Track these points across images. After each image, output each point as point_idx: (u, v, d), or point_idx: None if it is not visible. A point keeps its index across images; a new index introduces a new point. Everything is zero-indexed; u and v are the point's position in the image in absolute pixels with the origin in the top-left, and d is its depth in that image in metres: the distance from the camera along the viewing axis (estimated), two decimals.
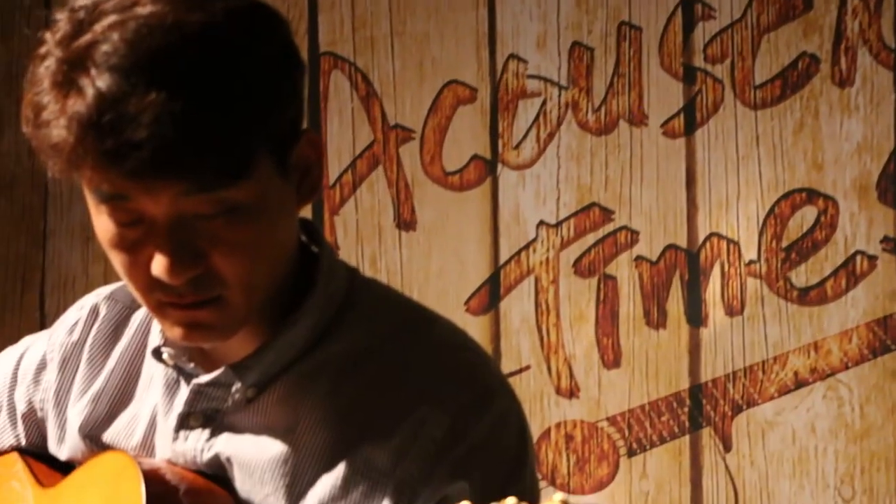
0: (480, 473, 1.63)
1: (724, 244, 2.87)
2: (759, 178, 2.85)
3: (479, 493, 1.44)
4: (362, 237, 3.05)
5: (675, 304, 2.89)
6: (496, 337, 2.95)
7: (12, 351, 2.02)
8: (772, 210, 2.83)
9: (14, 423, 1.98)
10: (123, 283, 1.85)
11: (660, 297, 2.90)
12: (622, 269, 2.93)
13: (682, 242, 2.90)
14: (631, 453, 2.88)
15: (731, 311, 2.84)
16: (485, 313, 2.96)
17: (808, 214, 2.81)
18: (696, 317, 2.87)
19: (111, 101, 1.54)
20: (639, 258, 2.92)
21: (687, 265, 2.90)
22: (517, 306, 2.96)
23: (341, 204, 3.10)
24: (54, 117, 1.58)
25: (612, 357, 2.92)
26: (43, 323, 3.10)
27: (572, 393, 2.93)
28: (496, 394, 1.71)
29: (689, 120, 2.91)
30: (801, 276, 2.77)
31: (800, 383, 2.74)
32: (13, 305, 3.20)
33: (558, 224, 2.98)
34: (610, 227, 2.95)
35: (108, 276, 2.36)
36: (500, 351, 2.96)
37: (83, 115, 1.55)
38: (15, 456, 1.98)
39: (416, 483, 1.63)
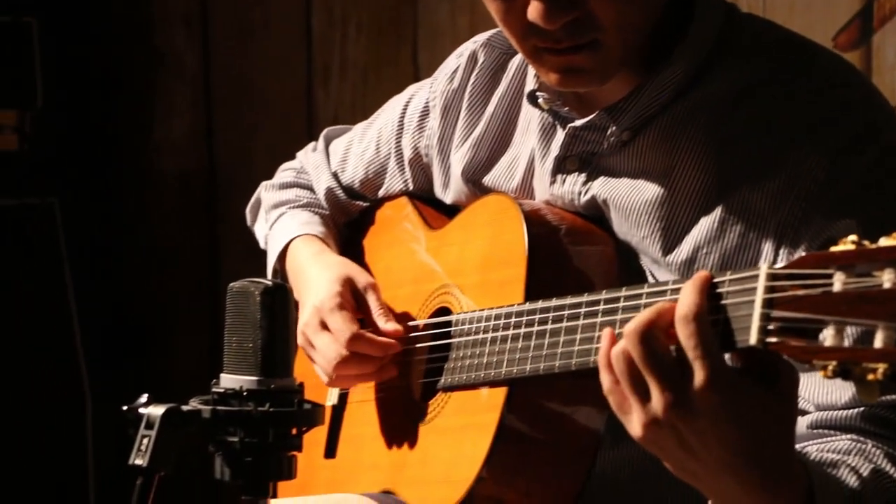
0: (866, 210, 1.60)
1: None
2: None
3: (866, 229, 1.41)
4: None
5: None
6: (867, 74, 2.83)
7: (397, 100, 2.10)
8: None
9: (402, 169, 2.07)
10: (500, 28, 1.88)
11: None
12: None
13: None
14: None
15: None
16: (855, 49, 2.83)
17: None
18: None
19: None
20: None
21: None
22: (892, 40, 2.82)
23: None
24: None
25: None
26: (416, 76, 3.18)
27: None
28: (881, 129, 1.66)
29: None
30: None
31: None
32: (389, 60, 3.29)
33: None
34: None
35: (474, 28, 2.39)
36: None
37: None
38: (405, 200, 2.08)
39: (798, 224, 1.62)
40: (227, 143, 3.48)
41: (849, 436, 1.57)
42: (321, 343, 1.91)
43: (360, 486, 1.90)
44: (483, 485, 1.70)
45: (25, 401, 3.23)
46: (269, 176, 2.26)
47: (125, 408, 1.44)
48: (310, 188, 2.18)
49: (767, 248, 1.63)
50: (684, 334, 1.35)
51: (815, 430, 1.59)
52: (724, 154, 1.68)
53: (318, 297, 1.93)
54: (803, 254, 1.37)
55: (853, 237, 1.26)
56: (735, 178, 1.67)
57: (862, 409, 1.57)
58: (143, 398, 1.45)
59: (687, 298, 1.36)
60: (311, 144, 2.23)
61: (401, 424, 1.90)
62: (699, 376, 1.35)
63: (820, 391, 1.59)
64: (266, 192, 2.21)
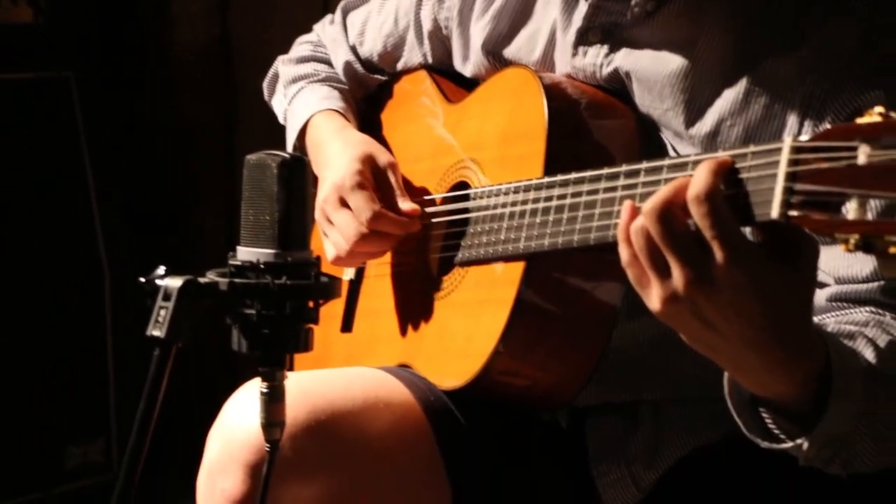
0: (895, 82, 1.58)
1: None
2: None
3: (894, 102, 1.39)
4: None
5: None
6: None
7: None
8: None
9: (421, 41, 2.05)
10: None
11: None
12: None
13: None
14: None
15: None
16: None
17: None
18: None
19: None
20: None
21: None
22: None
23: None
24: None
25: None
26: None
27: None
28: None
29: None
30: None
31: None
32: None
33: None
34: None
35: None
36: None
37: None
38: (423, 73, 2.06)
39: (824, 95, 1.59)
40: (243, 16, 3.45)
41: (867, 308, 1.57)
42: (340, 220, 1.90)
43: (377, 360, 1.91)
44: (500, 358, 1.70)
45: (44, 274, 3.24)
46: (286, 49, 2.23)
47: (142, 279, 1.44)
48: (327, 62, 2.16)
49: (793, 119, 1.61)
50: (698, 214, 1.34)
51: (834, 303, 1.59)
52: (751, 24, 1.66)
53: (339, 175, 1.92)
54: (829, 126, 1.35)
55: (880, 109, 1.24)
56: (762, 48, 1.64)
57: (881, 282, 1.57)
58: (161, 270, 1.44)
59: (698, 179, 1.35)
60: (328, 17, 2.20)
61: (417, 299, 1.90)
62: (719, 253, 1.33)
63: (840, 264, 1.59)
64: (283, 66, 2.19)
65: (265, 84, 2.24)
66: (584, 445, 1.80)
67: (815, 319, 1.52)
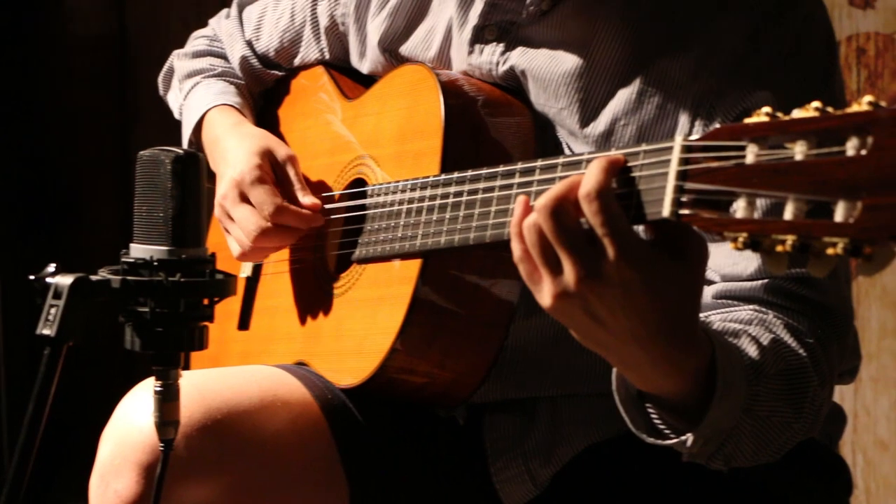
0: (784, 81, 1.60)
1: None
2: None
3: (782, 101, 1.41)
4: None
5: None
6: None
7: None
8: None
9: (318, 38, 2.04)
10: None
11: None
12: None
13: None
14: None
15: None
16: None
17: None
18: None
19: None
20: None
21: None
22: None
23: None
24: None
25: None
26: None
27: (867, 3, 2.77)
28: (799, 1, 1.66)
29: None
30: None
31: None
32: None
33: None
34: None
35: None
36: None
37: None
38: (321, 69, 2.05)
39: (714, 96, 1.61)
40: (138, 10, 3.42)
41: (751, 306, 1.59)
42: (241, 215, 1.89)
43: (274, 358, 1.90)
44: (396, 356, 1.70)
45: None
46: (182, 44, 2.21)
47: (32, 277, 1.42)
48: (223, 57, 2.15)
49: (684, 119, 1.63)
50: (589, 211, 1.35)
51: (719, 300, 1.61)
52: (644, 24, 1.67)
53: (237, 170, 1.91)
54: (718, 125, 1.36)
55: (767, 109, 1.25)
56: (655, 48, 1.66)
57: (766, 280, 1.59)
58: (51, 267, 1.42)
59: (589, 176, 1.35)
60: (224, 11, 2.19)
61: (315, 296, 1.90)
62: (609, 250, 1.34)
63: (726, 262, 1.61)
64: (178, 61, 2.17)
65: (160, 79, 2.22)
66: (482, 442, 1.81)
67: (701, 317, 1.55)
